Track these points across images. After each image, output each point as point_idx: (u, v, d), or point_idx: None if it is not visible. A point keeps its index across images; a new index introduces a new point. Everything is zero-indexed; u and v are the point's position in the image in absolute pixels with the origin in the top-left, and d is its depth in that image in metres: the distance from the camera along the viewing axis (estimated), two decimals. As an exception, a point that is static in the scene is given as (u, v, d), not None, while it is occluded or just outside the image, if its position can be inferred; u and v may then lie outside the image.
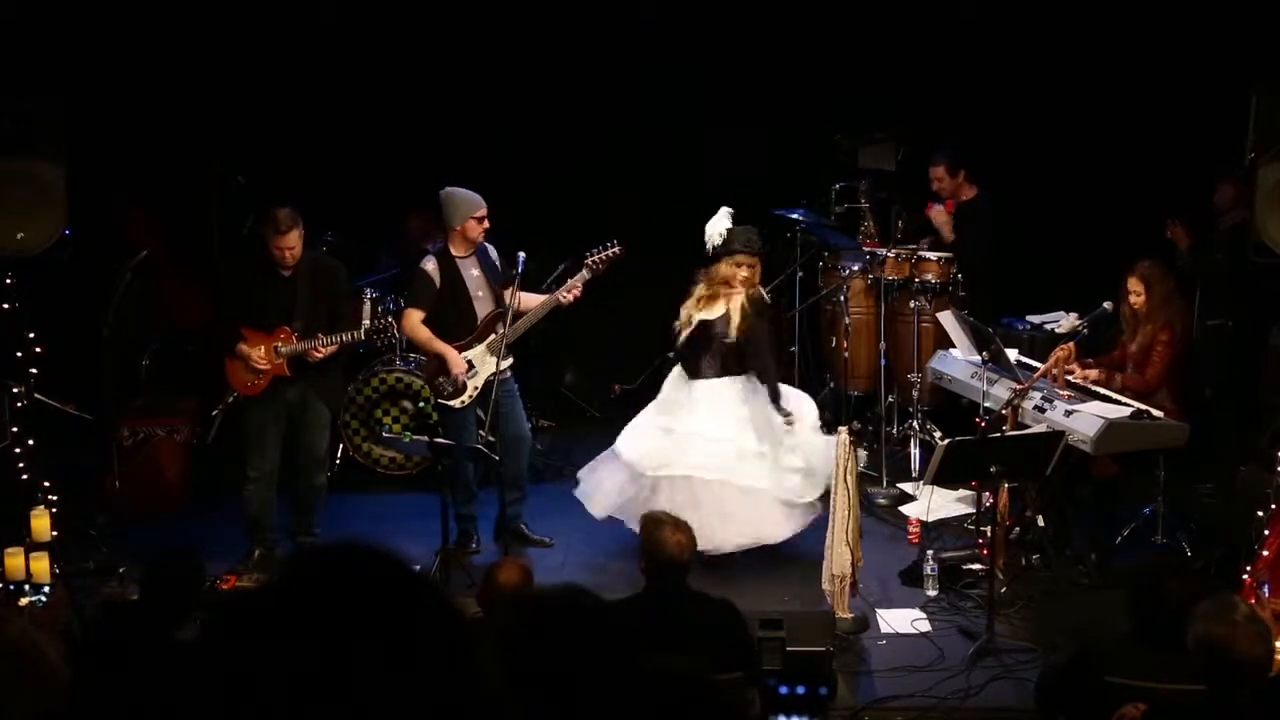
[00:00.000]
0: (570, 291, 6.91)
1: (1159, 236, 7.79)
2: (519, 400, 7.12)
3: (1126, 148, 8.36)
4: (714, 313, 6.73)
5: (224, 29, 8.53)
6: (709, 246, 6.79)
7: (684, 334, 6.77)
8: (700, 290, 6.78)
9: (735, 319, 6.67)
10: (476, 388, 6.88)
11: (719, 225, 6.79)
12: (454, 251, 6.87)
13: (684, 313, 6.78)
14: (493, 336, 6.87)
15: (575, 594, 2.91)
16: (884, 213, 8.72)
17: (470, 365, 6.89)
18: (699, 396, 6.77)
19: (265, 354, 6.69)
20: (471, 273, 6.89)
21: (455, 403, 6.90)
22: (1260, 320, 7.47)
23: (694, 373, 6.81)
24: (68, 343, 7.13)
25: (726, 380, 6.76)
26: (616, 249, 6.96)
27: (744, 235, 6.76)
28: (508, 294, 6.89)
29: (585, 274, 6.92)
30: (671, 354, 7.03)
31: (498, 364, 6.73)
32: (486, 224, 6.83)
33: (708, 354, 6.75)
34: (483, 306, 6.93)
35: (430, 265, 6.85)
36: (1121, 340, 7.03)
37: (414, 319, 6.89)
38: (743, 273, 6.71)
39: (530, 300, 7.01)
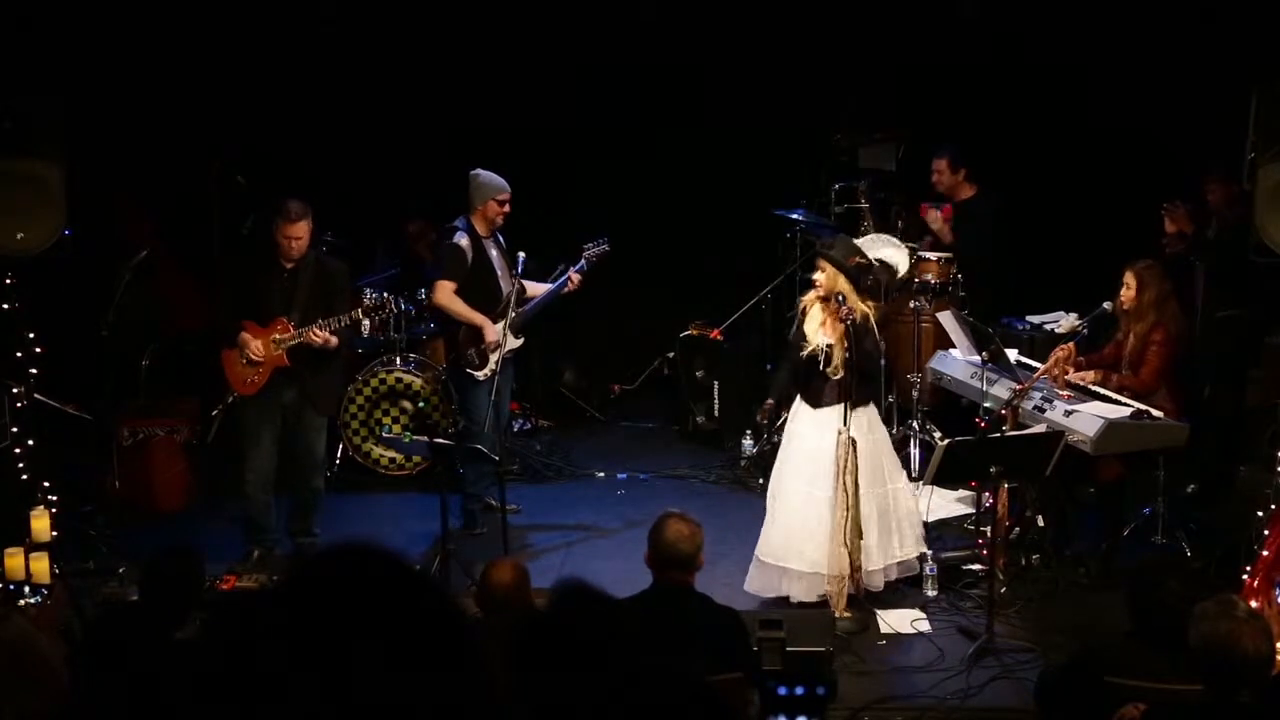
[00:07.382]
0: (573, 279, 7.29)
1: (1157, 237, 7.77)
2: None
3: (1126, 148, 8.36)
4: (824, 339, 6.26)
5: (224, 29, 8.53)
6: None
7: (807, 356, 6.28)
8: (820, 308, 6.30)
9: (835, 355, 6.18)
10: (498, 361, 7.09)
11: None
12: (478, 230, 7.19)
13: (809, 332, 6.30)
14: (511, 315, 7.17)
15: (579, 591, 2.91)
16: (884, 213, 8.72)
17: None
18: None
19: (263, 347, 6.67)
20: (492, 252, 7.26)
21: (479, 374, 7.15)
22: (1260, 318, 7.46)
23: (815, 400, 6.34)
24: (68, 343, 7.13)
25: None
26: (605, 246, 7.36)
27: (841, 244, 6.39)
28: (513, 277, 7.21)
29: (584, 264, 7.30)
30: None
31: (515, 341, 7.14)
32: (507, 208, 7.19)
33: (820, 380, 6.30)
34: (504, 284, 7.26)
35: (464, 241, 7.15)
36: (1115, 337, 7.03)
37: (448, 290, 7.17)
38: (816, 275, 6.37)
39: (537, 288, 7.36)
